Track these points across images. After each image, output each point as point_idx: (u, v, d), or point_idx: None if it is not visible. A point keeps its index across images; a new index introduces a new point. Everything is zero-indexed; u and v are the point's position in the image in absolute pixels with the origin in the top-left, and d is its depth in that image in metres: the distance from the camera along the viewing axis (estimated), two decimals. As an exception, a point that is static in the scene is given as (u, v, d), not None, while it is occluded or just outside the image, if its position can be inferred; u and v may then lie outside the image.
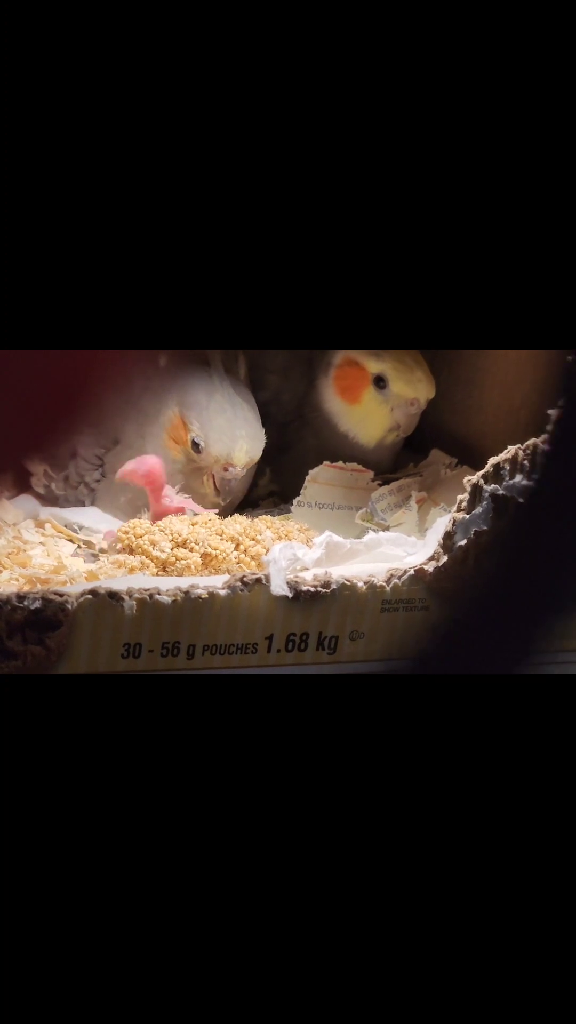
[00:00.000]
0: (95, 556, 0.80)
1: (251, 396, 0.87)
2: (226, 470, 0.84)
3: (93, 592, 0.66)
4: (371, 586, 0.70)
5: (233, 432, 0.83)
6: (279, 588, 0.68)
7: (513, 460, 0.70)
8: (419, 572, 0.71)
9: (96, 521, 0.86)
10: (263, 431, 0.85)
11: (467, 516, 0.71)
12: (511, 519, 0.68)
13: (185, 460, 0.85)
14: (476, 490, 0.70)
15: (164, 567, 0.75)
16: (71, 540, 0.83)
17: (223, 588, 0.68)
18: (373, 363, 0.89)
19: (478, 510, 0.70)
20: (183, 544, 0.76)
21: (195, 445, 0.83)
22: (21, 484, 0.90)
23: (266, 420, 0.94)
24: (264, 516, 0.82)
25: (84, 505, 0.88)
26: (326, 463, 0.88)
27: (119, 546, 0.78)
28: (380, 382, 0.89)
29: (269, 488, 0.95)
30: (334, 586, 0.70)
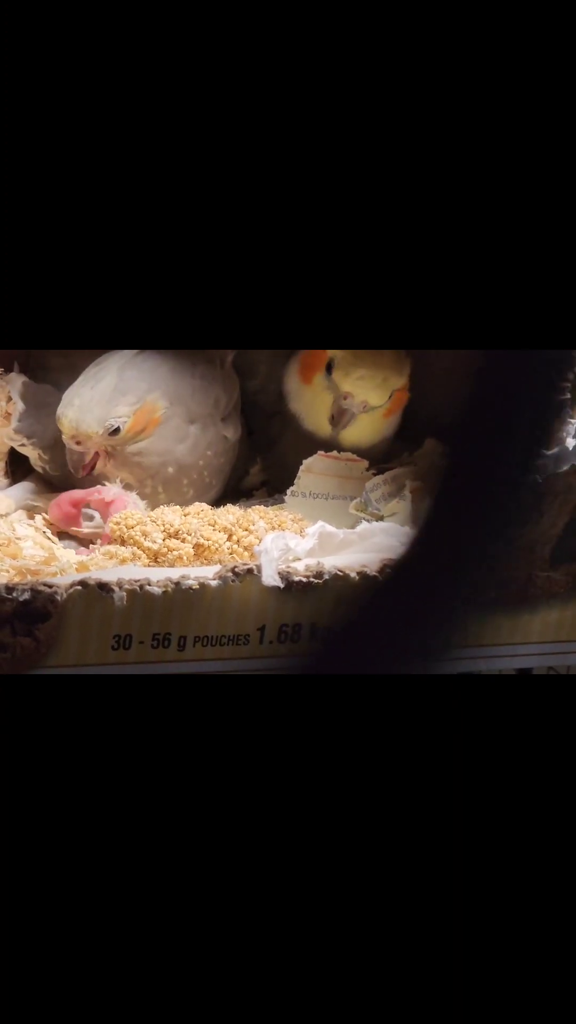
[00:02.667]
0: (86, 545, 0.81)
1: (143, 378, 0.84)
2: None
3: (83, 583, 0.65)
4: (364, 576, 0.70)
5: (71, 399, 0.82)
6: (271, 578, 0.68)
7: (507, 449, 0.69)
8: (412, 562, 0.71)
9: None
10: (118, 412, 0.82)
11: (460, 505, 0.70)
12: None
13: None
14: (469, 479, 0.70)
15: (156, 558, 0.75)
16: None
17: (214, 579, 0.67)
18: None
19: (471, 499, 0.70)
20: (175, 535, 0.76)
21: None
22: (16, 473, 0.90)
23: (254, 410, 0.94)
24: (257, 506, 0.82)
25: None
26: (320, 453, 0.87)
27: (111, 537, 0.77)
28: (329, 367, 0.87)
29: (261, 478, 0.95)
30: (326, 576, 0.69)
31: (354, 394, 0.86)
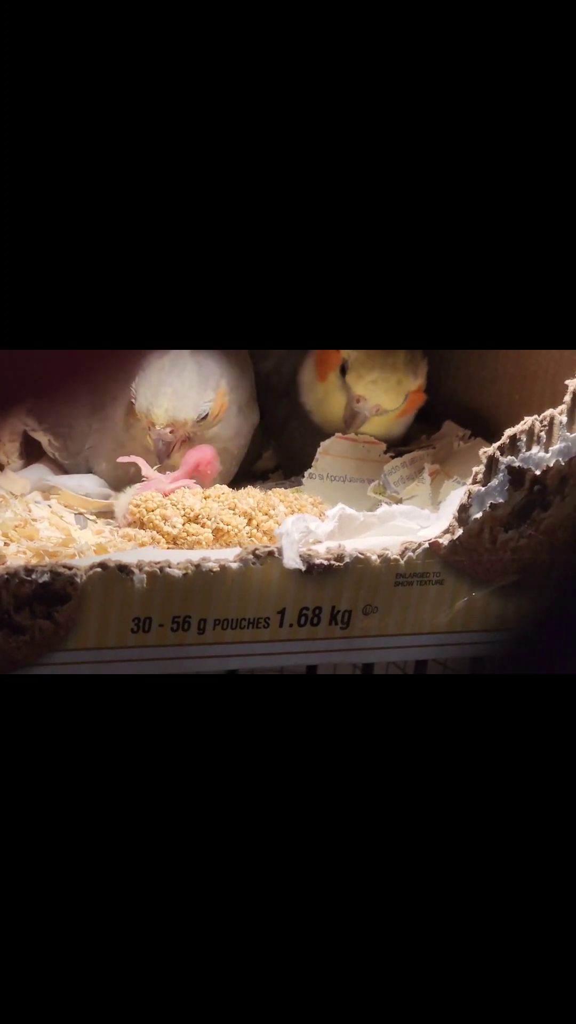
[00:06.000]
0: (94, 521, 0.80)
1: (215, 364, 0.84)
2: (150, 429, 0.82)
3: (103, 565, 0.65)
4: (385, 559, 0.69)
5: (158, 388, 0.81)
6: (292, 561, 0.67)
7: (529, 432, 0.69)
8: (433, 545, 0.70)
9: (99, 490, 0.86)
10: (207, 397, 0.82)
11: (483, 488, 0.70)
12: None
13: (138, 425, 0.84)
14: (492, 462, 0.69)
15: (175, 542, 0.74)
16: (81, 512, 0.82)
17: (235, 561, 0.67)
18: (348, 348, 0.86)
19: (494, 482, 0.69)
20: (195, 519, 0.75)
21: (131, 406, 0.82)
22: (31, 455, 0.90)
23: (268, 391, 0.94)
24: (277, 489, 0.81)
25: (90, 472, 0.88)
26: (338, 435, 0.86)
27: (130, 519, 0.77)
28: (343, 368, 0.86)
29: (275, 461, 0.94)
30: (347, 559, 0.69)
31: (367, 398, 0.85)
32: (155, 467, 0.81)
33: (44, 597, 0.64)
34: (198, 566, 0.66)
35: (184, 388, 0.81)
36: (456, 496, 0.73)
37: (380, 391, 0.85)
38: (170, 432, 0.81)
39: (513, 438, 0.69)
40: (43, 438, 0.88)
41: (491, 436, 0.72)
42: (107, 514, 0.82)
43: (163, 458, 0.82)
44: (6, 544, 0.73)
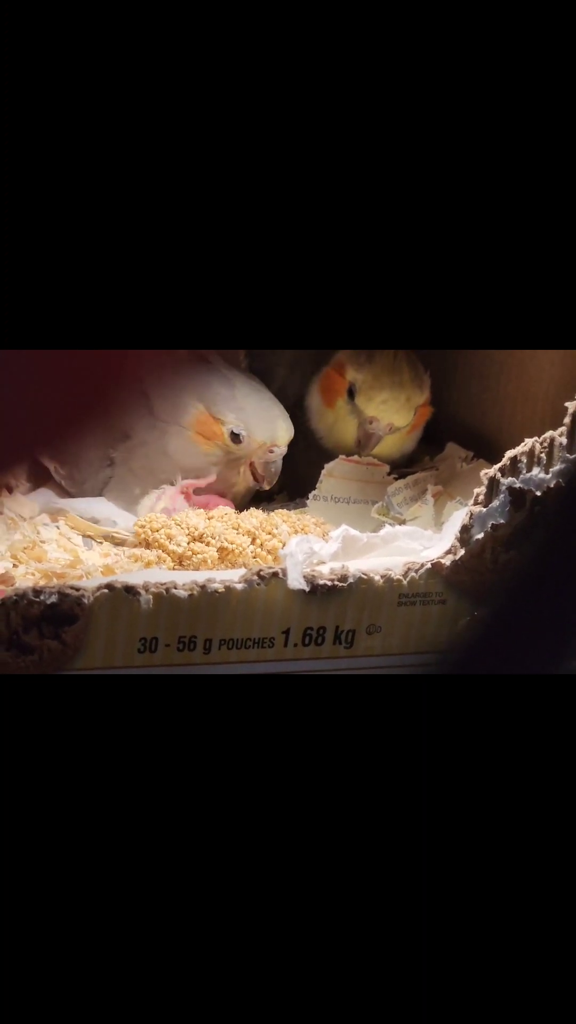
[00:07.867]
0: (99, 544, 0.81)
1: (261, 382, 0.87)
2: (271, 452, 0.84)
3: (109, 586, 0.65)
4: (388, 580, 0.70)
5: (270, 414, 0.83)
6: (296, 582, 0.68)
7: (530, 453, 0.70)
8: (436, 566, 0.71)
9: (106, 513, 0.86)
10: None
11: (484, 509, 0.70)
12: (552, 517, 0.68)
13: (221, 453, 0.84)
14: (493, 483, 0.70)
15: (180, 561, 0.75)
16: (88, 536, 0.83)
17: (240, 582, 0.67)
18: (352, 372, 0.87)
19: (495, 503, 0.70)
20: (199, 538, 0.76)
21: (235, 436, 0.83)
22: (39, 478, 0.90)
23: None
24: (280, 510, 0.82)
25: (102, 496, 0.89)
26: (341, 457, 0.87)
27: (136, 541, 0.78)
28: (351, 393, 0.88)
29: (279, 483, 0.95)
30: (351, 580, 0.69)
31: (380, 418, 0.87)
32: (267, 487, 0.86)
33: (52, 618, 0.65)
34: (203, 587, 0.67)
35: (284, 410, 0.85)
36: (458, 517, 0.73)
37: (392, 410, 0.87)
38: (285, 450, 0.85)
39: (514, 460, 0.70)
40: (50, 464, 0.89)
41: (493, 458, 0.73)
42: (113, 540, 0.83)
43: (270, 480, 0.86)
44: (15, 566, 0.73)
